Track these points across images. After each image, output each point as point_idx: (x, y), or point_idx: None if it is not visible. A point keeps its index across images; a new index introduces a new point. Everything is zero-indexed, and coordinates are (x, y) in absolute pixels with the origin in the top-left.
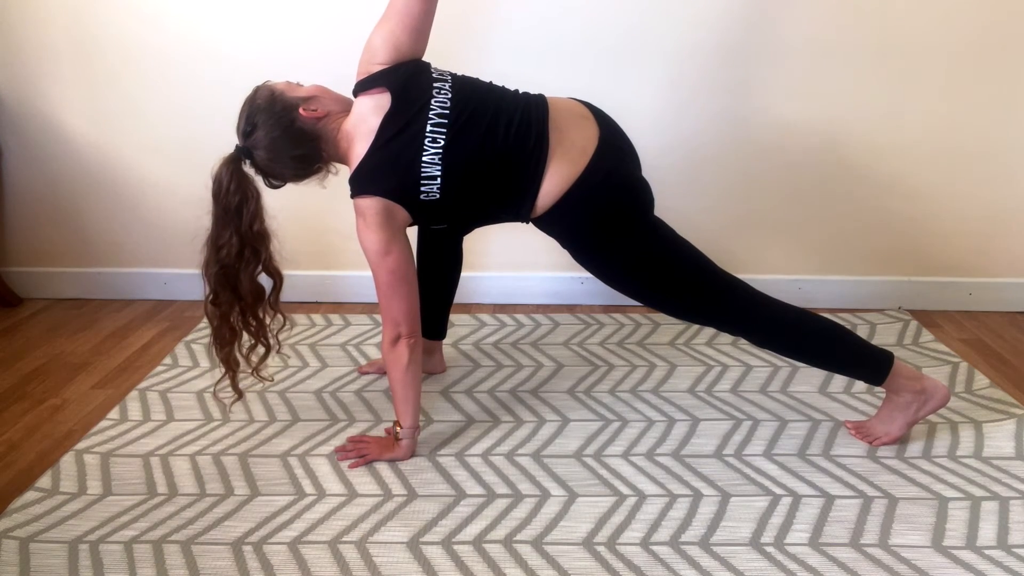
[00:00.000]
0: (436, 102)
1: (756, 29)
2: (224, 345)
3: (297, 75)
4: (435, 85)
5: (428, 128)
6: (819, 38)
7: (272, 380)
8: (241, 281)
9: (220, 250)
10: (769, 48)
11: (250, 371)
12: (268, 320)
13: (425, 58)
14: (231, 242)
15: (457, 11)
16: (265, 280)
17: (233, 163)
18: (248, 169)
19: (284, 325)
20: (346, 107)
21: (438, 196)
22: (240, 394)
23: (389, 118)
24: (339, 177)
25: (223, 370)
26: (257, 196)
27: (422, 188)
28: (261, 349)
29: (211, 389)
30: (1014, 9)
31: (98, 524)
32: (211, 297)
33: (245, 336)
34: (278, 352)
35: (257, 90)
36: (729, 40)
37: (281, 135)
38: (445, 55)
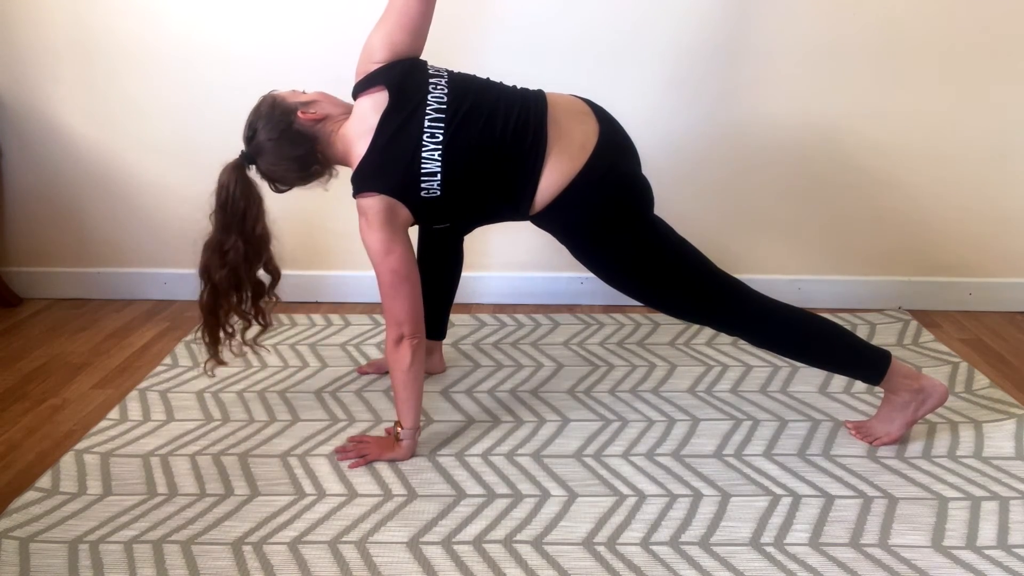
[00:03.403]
0: (433, 97)
1: (756, 29)
2: (214, 333)
3: (297, 75)
4: (431, 81)
5: (426, 124)
6: (819, 38)
7: (269, 350)
8: (244, 281)
9: (227, 254)
10: (769, 48)
11: (247, 344)
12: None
13: (422, 57)
14: (236, 245)
15: (455, 11)
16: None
17: (237, 169)
18: (254, 175)
19: (269, 326)
20: (347, 110)
21: (439, 193)
22: (221, 361)
23: (387, 115)
24: (340, 178)
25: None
26: (260, 200)
27: (422, 185)
28: (255, 328)
29: (211, 389)
30: (1016, 8)
31: (98, 524)
32: (212, 297)
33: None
34: (265, 331)
35: (262, 99)
36: (728, 40)
37: (279, 137)
38: (443, 54)
